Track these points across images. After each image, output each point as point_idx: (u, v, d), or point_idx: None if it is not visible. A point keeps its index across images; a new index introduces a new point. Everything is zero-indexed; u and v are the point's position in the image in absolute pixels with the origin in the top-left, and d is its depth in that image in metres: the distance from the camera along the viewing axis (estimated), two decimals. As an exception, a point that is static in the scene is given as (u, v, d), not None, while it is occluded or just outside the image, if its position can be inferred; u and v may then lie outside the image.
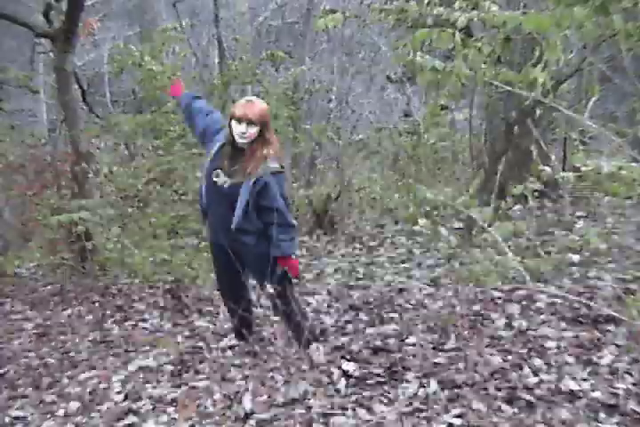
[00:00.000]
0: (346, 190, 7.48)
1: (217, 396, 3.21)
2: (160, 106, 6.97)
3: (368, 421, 2.80)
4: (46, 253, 5.88)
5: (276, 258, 3.33)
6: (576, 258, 4.57)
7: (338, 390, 3.11)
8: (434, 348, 3.50)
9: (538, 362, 3.18)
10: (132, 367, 3.79)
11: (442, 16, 2.88)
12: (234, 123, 3.22)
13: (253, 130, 3.21)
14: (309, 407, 2.95)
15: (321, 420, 2.84)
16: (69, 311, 5.07)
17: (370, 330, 3.89)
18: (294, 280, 3.62)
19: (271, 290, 3.42)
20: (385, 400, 2.97)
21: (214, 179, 3.31)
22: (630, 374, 2.94)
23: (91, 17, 6.86)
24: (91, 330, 4.60)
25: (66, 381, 3.76)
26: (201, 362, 3.71)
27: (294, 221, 3.41)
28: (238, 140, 3.24)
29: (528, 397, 2.84)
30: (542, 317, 3.76)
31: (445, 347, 3.49)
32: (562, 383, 2.93)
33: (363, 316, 4.20)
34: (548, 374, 3.05)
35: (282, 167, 3.35)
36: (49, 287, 5.83)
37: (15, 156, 6.95)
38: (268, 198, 3.26)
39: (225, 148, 3.34)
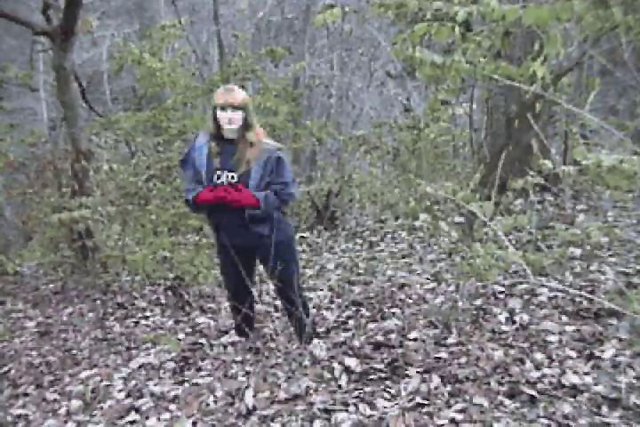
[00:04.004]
0: (346, 186, 7.48)
1: (219, 393, 3.21)
2: (160, 103, 6.97)
3: (370, 416, 2.80)
4: (47, 251, 5.89)
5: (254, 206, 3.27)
6: (577, 252, 4.56)
7: (340, 386, 3.11)
8: (435, 343, 3.50)
9: (540, 356, 3.17)
10: (133, 365, 3.79)
11: (441, 10, 2.87)
12: (219, 111, 3.23)
13: (238, 115, 3.23)
14: (311, 403, 2.95)
15: (323, 416, 2.85)
16: (71, 309, 5.08)
17: (371, 325, 3.89)
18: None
19: (279, 283, 3.47)
20: (387, 396, 2.97)
21: (217, 181, 3.29)
22: (633, 368, 2.93)
23: (89, 15, 6.85)
24: (92, 328, 4.61)
25: (67, 379, 3.77)
26: (202, 359, 3.72)
27: (296, 196, 3.47)
28: (225, 126, 3.25)
29: (530, 391, 2.84)
30: (544, 311, 3.75)
31: (447, 342, 3.49)
32: (564, 378, 2.93)
33: (364, 311, 4.20)
34: (550, 368, 3.04)
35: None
36: (50, 285, 5.84)
37: (16, 154, 6.96)
38: (284, 173, 3.32)
39: (212, 146, 3.32)
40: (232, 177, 3.27)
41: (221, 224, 3.43)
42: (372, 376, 3.18)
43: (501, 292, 4.17)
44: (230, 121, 3.23)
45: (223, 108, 3.21)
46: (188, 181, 3.44)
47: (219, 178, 3.29)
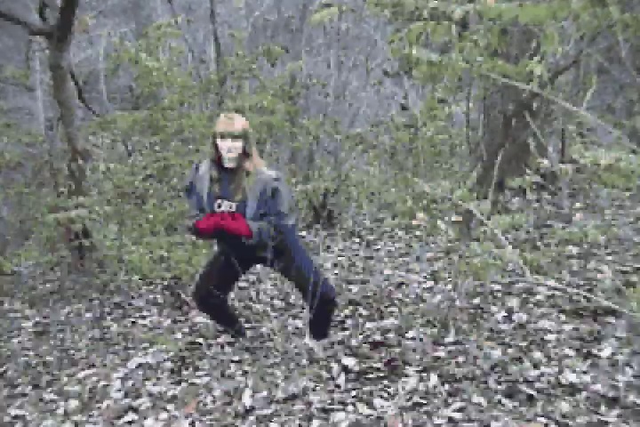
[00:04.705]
0: (344, 185, 7.47)
1: (217, 392, 3.21)
2: (157, 102, 6.95)
3: (368, 416, 2.80)
4: (44, 251, 5.88)
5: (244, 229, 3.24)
6: (575, 250, 4.56)
7: (338, 386, 3.11)
8: (433, 342, 3.49)
9: (538, 355, 3.17)
10: (131, 365, 3.79)
11: (438, 9, 2.86)
12: (219, 140, 3.24)
13: (238, 144, 3.23)
14: (309, 403, 2.95)
15: (321, 415, 2.85)
16: (68, 309, 5.07)
17: (369, 324, 3.89)
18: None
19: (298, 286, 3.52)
20: (385, 395, 2.97)
21: (218, 210, 3.30)
22: (631, 367, 2.93)
23: (86, 14, 6.84)
24: (89, 328, 4.60)
25: (65, 379, 3.76)
26: (200, 358, 3.71)
27: (292, 224, 3.40)
28: (225, 155, 3.26)
29: (528, 390, 2.84)
30: (542, 310, 3.75)
31: (445, 341, 3.49)
32: (562, 376, 2.93)
33: (362, 310, 4.20)
34: (548, 367, 3.05)
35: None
36: (47, 285, 5.82)
37: (13, 154, 6.94)
38: (281, 203, 3.29)
39: (213, 174, 3.34)
40: (231, 206, 3.29)
41: (227, 247, 3.47)
42: (369, 375, 3.18)
43: (499, 290, 4.17)
44: (229, 150, 3.23)
45: (223, 137, 3.22)
46: (192, 208, 3.48)
47: (219, 206, 3.31)
